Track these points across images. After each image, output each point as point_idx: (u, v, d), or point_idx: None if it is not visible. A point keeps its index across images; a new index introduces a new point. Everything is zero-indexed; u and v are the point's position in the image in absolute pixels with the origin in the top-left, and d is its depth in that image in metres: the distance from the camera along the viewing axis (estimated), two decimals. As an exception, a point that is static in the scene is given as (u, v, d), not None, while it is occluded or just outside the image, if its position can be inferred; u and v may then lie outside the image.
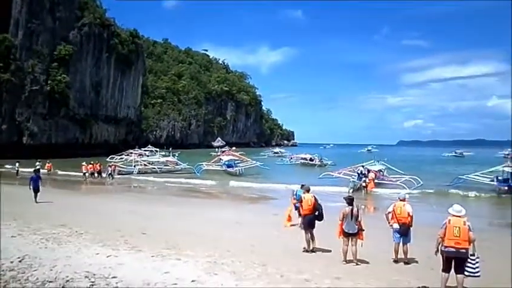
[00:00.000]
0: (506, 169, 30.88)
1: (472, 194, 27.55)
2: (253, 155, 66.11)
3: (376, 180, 30.16)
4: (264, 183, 33.45)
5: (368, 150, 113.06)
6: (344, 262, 9.47)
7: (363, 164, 33.98)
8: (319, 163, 58.83)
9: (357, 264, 9.39)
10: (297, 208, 14.20)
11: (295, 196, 14.85)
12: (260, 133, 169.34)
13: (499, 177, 29.83)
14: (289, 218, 15.03)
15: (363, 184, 29.27)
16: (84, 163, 36.16)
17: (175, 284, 7.45)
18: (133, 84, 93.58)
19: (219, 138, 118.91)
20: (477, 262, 7.50)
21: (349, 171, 33.20)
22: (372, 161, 37.37)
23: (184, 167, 44.57)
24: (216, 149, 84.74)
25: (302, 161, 62.66)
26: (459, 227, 7.48)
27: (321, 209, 10.71)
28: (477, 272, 7.47)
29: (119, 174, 37.79)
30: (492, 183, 29.70)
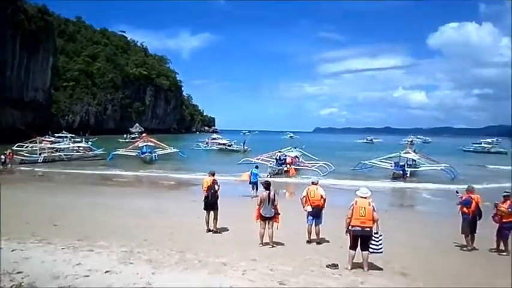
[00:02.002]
0: (404, 155, 33.86)
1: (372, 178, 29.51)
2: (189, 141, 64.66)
3: (293, 166, 31.45)
4: (182, 171, 32.96)
5: (290, 136, 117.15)
6: (261, 245, 9.78)
7: (281, 150, 35.19)
8: (237, 148, 59.58)
9: (273, 246, 9.75)
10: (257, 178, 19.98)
11: (251, 175, 20.22)
12: (180, 119, 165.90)
13: (399, 163, 32.51)
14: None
15: (285, 169, 30.48)
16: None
17: (87, 275, 7.15)
18: (41, 64, 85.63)
19: (137, 124, 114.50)
20: (380, 239, 8.18)
21: (267, 157, 34.10)
22: (289, 148, 38.80)
23: (99, 153, 42.40)
24: (125, 135, 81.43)
25: (219, 146, 62.72)
26: (364, 208, 8.09)
27: (215, 191, 11.25)
28: (380, 248, 8.17)
29: (21, 163, 34.31)
30: (391, 168, 32.24)
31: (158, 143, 45.15)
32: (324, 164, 34.05)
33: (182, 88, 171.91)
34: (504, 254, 10.17)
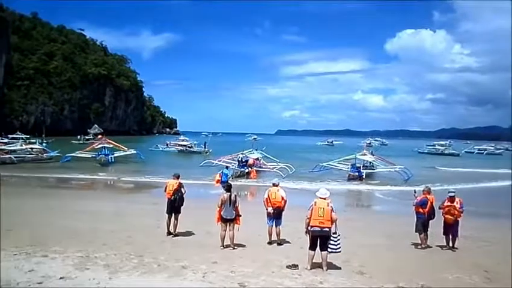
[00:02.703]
0: (360, 157, 34.81)
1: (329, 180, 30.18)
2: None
3: (254, 168, 31.61)
4: (141, 173, 32.21)
5: (254, 138, 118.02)
6: (222, 247, 9.75)
7: (243, 152, 35.28)
8: (197, 150, 59.11)
9: (234, 248, 9.74)
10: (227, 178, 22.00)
11: (221, 174, 22.21)
12: (141, 121, 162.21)
13: (357, 165, 33.34)
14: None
15: (246, 171, 30.55)
16: None
17: (40, 282, 6.88)
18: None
19: (95, 126, 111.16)
20: (338, 239, 8.36)
21: (229, 159, 34.09)
22: (251, 150, 38.97)
23: (55, 155, 40.73)
24: (79, 137, 78.68)
25: (179, 148, 61.80)
26: (323, 208, 8.24)
27: (182, 194, 11.06)
28: (338, 248, 8.35)
29: None
30: (348, 170, 32.95)
31: (116, 144, 43.97)
32: (285, 165, 34.50)
33: (143, 89, 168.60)
34: (454, 250, 10.75)
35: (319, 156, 46.43)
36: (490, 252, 10.79)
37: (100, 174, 31.49)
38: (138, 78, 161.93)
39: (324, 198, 8.42)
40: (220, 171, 23.53)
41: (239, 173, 30.50)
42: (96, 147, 42.62)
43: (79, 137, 78.06)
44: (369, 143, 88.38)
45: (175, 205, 10.97)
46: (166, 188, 11.30)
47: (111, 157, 39.74)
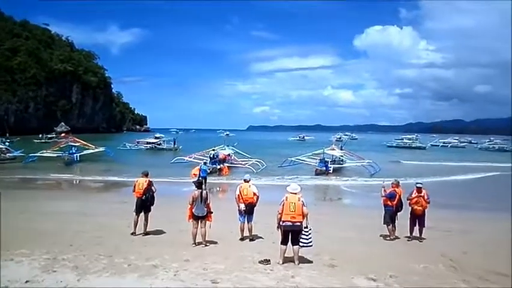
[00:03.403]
0: (328, 152, 35.29)
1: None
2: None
3: (226, 164, 31.56)
4: (110, 172, 31.40)
5: (226, 134, 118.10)
6: (194, 244, 9.68)
7: (214, 148, 35.16)
8: (167, 147, 58.44)
9: (206, 245, 9.70)
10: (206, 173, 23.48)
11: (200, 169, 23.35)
12: (110, 118, 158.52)
13: (326, 159, 33.76)
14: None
15: (219, 167, 30.44)
16: None
17: (6, 287, 6.65)
18: (-49, 58, 77.89)
19: (62, 124, 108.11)
20: (310, 233, 8.46)
21: (201, 155, 33.91)
22: (222, 146, 38.87)
23: (18, 155, 39.18)
24: (40, 135, 75.24)
25: (148, 145, 60.73)
26: (294, 203, 8.31)
27: (153, 193, 10.91)
28: (310, 242, 8.44)
29: None
30: (316, 164, 33.32)
31: (83, 142, 42.64)
32: (257, 161, 34.61)
33: (112, 85, 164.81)
34: (421, 240, 11.12)
35: (290, 152, 46.69)
36: (455, 242, 11.21)
37: (66, 173, 30.36)
38: (106, 75, 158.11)
39: (295, 193, 8.49)
40: (198, 166, 24.95)
41: (211, 169, 30.32)
42: (62, 145, 41.30)
43: (40, 135, 75.10)
44: (340, 138, 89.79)
45: (146, 204, 10.80)
46: (134, 186, 11.08)
47: (76, 156, 38.48)
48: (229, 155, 35.26)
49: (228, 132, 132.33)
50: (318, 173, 31.13)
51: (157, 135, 75.14)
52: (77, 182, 27.95)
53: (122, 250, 9.08)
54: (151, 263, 8.11)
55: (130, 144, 61.83)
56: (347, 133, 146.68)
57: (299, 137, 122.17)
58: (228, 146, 40.49)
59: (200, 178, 20.96)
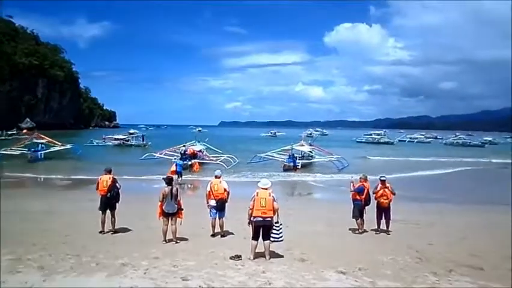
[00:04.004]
0: (297, 147, 35.59)
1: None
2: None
3: (197, 160, 31.32)
4: (77, 169, 30.15)
5: (198, 130, 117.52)
6: (164, 242, 9.57)
7: (185, 144, 34.84)
8: (135, 143, 57.54)
9: (176, 242, 9.60)
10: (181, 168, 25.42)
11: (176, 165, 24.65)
12: (78, 113, 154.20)
13: (295, 155, 33.96)
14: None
15: (189, 163, 30.15)
16: None
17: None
18: None
19: (27, 119, 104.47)
20: (281, 228, 8.51)
21: (171, 151, 33.52)
22: (193, 141, 38.53)
23: None
24: (0, 132, 72.65)
25: (116, 142, 59.39)
26: (265, 199, 8.34)
27: (118, 190, 10.69)
28: (281, 237, 8.50)
29: None
30: (284, 160, 33.48)
31: (49, 139, 41.21)
32: (229, 157, 34.50)
33: (80, 80, 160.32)
34: (388, 233, 11.41)
35: (262, 148, 46.76)
36: (421, 234, 11.55)
37: (30, 172, 29.07)
38: (73, 69, 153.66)
39: (266, 189, 8.52)
40: (174, 164, 25.49)
41: (182, 166, 29.99)
42: (27, 142, 39.84)
43: (0, 132, 72.19)
44: (310, 134, 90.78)
45: (111, 202, 10.58)
46: (98, 184, 10.79)
47: (41, 153, 37.13)
48: (200, 150, 35.02)
49: (200, 128, 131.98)
50: (286, 169, 31.28)
51: (131, 131, 73.87)
52: (42, 180, 26.97)
53: (90, 249, 8.87)
54: (120, 261, 7.95)
55: (97, 141, 60.06)
56: (317, 129, 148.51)
57: (271, 133, 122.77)
58: (199, 141, 40.22)
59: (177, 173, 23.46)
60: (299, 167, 31.87)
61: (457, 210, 17.05)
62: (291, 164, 31.83)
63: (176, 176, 23.48)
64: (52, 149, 39.39)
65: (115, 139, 60.38)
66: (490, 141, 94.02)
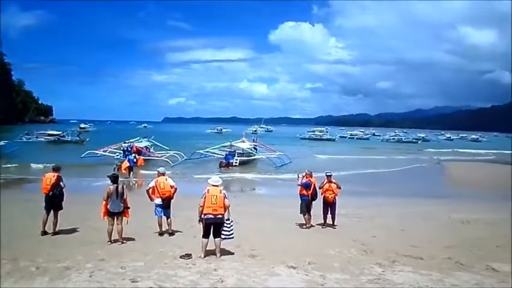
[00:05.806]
0: (236, 144, 35.70)
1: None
2: None
3: (142, 157, 30.41)
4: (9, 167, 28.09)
5: (144, 126, 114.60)
6: (109, 242, 9.19)
7: (129, 140, 33.78)
8: (71, 139, 55.06)
9: (122, 242, 9.26)
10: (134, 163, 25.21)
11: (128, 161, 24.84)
12: (9, 107, 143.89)
13: (237, 151, 33.96)
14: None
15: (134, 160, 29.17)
16: None
17: None
18: None
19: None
20: (231, 225, 8.48)
21: (114, 148, 32.37)
22: (138, 138, 37.43)
23: None
24: None
25: (50, 138, 56.05)
26: (216, 195, 8.27)
27: (61, 188, 10.16)
28: (231, 234, 8.47)
29: None
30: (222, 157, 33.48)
31: None
32: (175, 153, 33.93)
33: (12, 72, 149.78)
34: (334, 227, 11.81)
35: (207, 144, 46.36)
36: (363, 227, 12.06)
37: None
38: (5, 60, 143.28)
39: (217, 186, 8.45)
40: (126, 158, 25.86)
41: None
42: None
43: None
44: (255, 130, 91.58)
45: (54, 201, 10.00)
46: (43, 182, 10.20)
47: None
48: (146, 147, 34.11)
49: (145, 124, 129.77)
50: (223, 166, 31.19)
51: (82, 125, 70.48)
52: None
53: (29, 252, 8.28)
54: (63, 264, 7.52)
55: (27, 137, 55.84)
56: (262, 125, 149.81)
57: (216, 129, 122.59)
58: (145, 138, 39.15)
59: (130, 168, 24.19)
60: (236, 163, 31.75)
61: (394, 203, 18.06)
62: (228, 160, 31.82)
63: (129, 172, 24.22)
64: None
65: (49, 135, 56.76)
66: (422, 137, 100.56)
